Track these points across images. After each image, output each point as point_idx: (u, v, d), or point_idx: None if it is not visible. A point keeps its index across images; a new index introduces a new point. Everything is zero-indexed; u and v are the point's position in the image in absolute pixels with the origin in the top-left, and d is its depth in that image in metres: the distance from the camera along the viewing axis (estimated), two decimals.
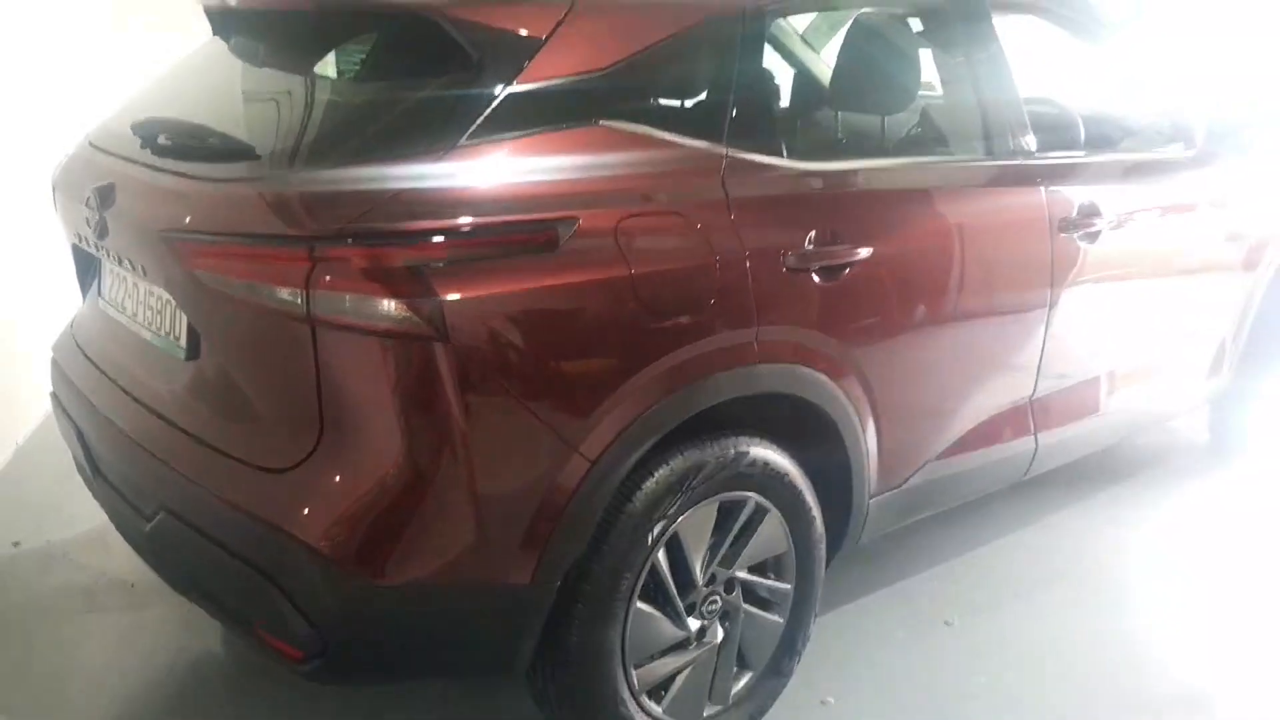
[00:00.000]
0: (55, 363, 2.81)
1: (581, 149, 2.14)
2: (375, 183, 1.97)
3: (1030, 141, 2.99)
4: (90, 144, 2.57)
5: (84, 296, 2.80)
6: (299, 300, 1.92)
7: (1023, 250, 2.94)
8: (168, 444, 2.24)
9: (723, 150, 2.32)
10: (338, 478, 1.99)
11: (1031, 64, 4.11)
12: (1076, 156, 3.24)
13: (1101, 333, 3.31)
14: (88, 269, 2.70)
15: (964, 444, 2.95)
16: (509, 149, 2.05)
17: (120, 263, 2.36)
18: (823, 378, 2.47)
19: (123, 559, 3.23)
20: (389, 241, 1.92)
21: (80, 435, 2.61)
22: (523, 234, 2.02)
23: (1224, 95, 3.84)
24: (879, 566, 3.37)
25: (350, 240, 1.92)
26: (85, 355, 2.65)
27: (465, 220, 1.98)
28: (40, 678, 2.78)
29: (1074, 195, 3.06)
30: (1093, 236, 3.08)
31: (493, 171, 2.02)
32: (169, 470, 2.21)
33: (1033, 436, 3.15)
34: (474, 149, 2.01)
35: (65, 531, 3.48)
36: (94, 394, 2.54)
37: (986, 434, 3.01)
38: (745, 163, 2.35)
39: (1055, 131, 3.32)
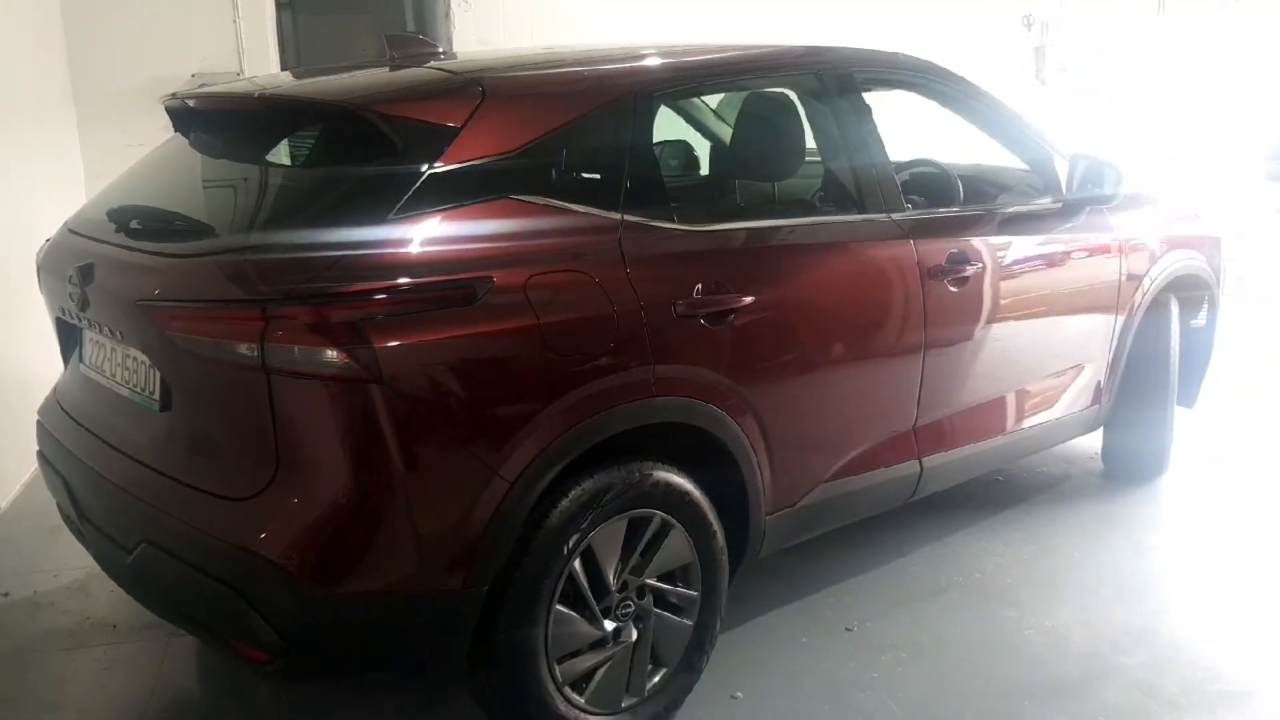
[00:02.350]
0: (40, 424, 3.16)
1: (494, 219, 2.54)
2: (318, 251, 2.35)
3: (899, 200, 3.42)
4: (70, 230, 2.96)
5: (65, 364, 3.15)
6: (255, 353, 2.28)
7: (894, 295, 3.32)
8: (145, 484, 2.59)
9: (618, 216, 2.73)
10: (293, 502, 2.35)
11: (922, 128, 4.62)
12: (949, 211, 3.67)
13: (979, 367, 3.69)
14: (69, 339, 3.06)
15: (851, 467, 3.32)
16: (432, 220, 2.44)
17: (100, 330, 2.73)
18: (716, 409, 2.85)
19: (105, 604, 3.58)
20: (330, 300, 2.30)
21: (66, 485, 2.95)
22: (445, 291, 2.40)
23: (1093, 147, 4.24)
24: (786, 582, 3.73)
25: (297, 300, 2.29)
26: (69, 415, 3.01)
27: (395, 281, 2.36)
28: (31, 709, 3.09)
29: (943, 246, 3.45)
30: (962, 281, 3.49)
31: (418, 239, 2.41)
32: (147, 506, 2.57)
33: (917, 460, 3.53)
34: (402, 221, 2.40)
35: (51, 582, 3.79)
36: (78, 448, 2.89)
37: (872, 458, 3.39)
38: (639, 225, 2.76)
39: (934, 190, 3.78)
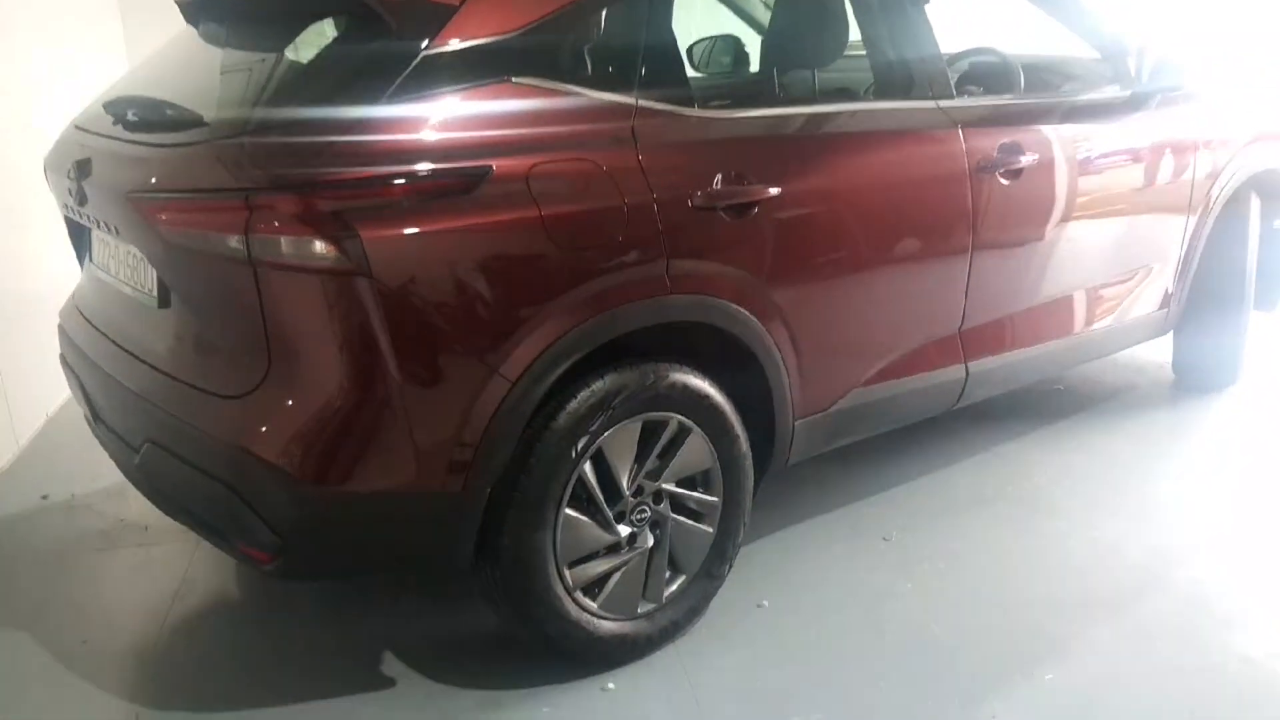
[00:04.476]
0: (61, 329, 3.13)
1: (494, 103, 2.40)
2: (306, 137, 2.25)
3: (948, 86, 3.20)
4: (74, 126, 2.89)
5: (81, 266, 3.11)
6: (240, 245, 2.20)
7: (937, 188, 3.13)
8: (149, 384, 2.55)
9: (632, 101, 2.57)
10: (286, 400, 2.28)
11: (980, 14, 4.36)
12: (1002, 99, 3.44)
13: (1033, 267, 3.49)
14: (81, 239, 3.02)
15: (890, 371, 3.16)
16: (427, 105, 2.30)
17: (101, 227, 2.67)
18: (738, 309, 2.70)
19: (139, 507, 3.56)
20: (317, 189, 2.19)
21: (83, 388, 2.93)
22: (440, 180, 2.28)
23: (1167, 36, 3.97)
24: (823, 489, 3.62)
25: (283, 189, 2.19)
26: (85, 317, 2.97)
27: (387, 169, 2.24)
28: (61, 606, 3.11)
29: (994, 136, 3.24)
30: (1015, 174, 3.27)
31: (412, 125, 2.29)
32: (150, 406, 2.52)
33: (963, 365, 3.35)
34: (395, 106, 2.28)
35: (89, 485, 3.83)
36: (91, 350, 2.85)
37: (913, 362, 3.22)
38: (655, 110, 2.60)
39: (993, 79, 3.55)
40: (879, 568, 3.18)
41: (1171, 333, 4.31)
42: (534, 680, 2.68)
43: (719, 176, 2.64)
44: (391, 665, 2.78)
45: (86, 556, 3.38)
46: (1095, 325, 3.85)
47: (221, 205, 2.24)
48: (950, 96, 3.22)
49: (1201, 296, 4.21)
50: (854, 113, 3.11)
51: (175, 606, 3.09)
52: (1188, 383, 4.55)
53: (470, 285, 2.31)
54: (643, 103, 2.59)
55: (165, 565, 3.31)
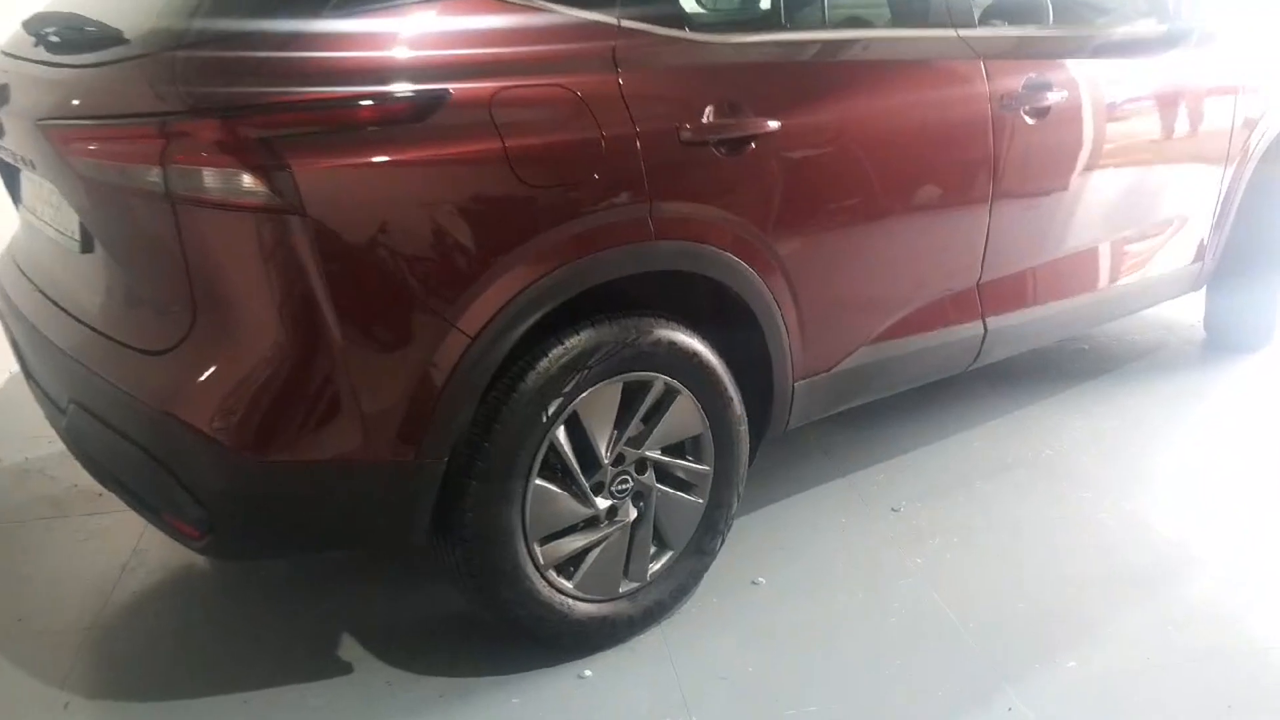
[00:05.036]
0: None
1: (454, 18, 2.11)
2: (233, 53, 1.97)
3: (969, 13, 2.90)
4: (1, 52, 2.60)
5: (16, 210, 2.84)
6: (158, 178, 1.93)
7: (956, 125, 2.85)
8: (74, 338, 2.29)
9: (613, 20, 2.28)
10: (212, 358, 2.02)
11: None
12: (1028, 29, 3.14)
13: (1058, 215, 3.21)
14: (12, 180, 2.74)
15: (901, 328, 2.90)
16: (374, 19, 2.02)
17: (20, 162, 2.40)
18: (731, 257, 2.43)
19: None
20: (243, 113, 1.92)
21: (15, 343, 2.67)
22: (387, 105, 2.00)
23: None
24: (835, 457, 3.37)
25: (204, 113, 1.92)
26: (18, 267, 2.70)
27: (325, 91, 1.96)
28: (3, 579, 2.87)
29: (1020, 70, 2.95)
30: (1042, 112, 2.99)
31: (356, 42, 2.01)
32: (74, 363, 2.26)
33: (980, 321, 3.08)
34: (336, 19, 2.00)
35: (46, 449, 3.57)
36: (22, 302, 2.59)
37: (927, 318, 2.95)
38: (639, 31, 2.31)
39: (1019, 7, 3.25)
40: (886, 542, 2.92)
41: (1204, 289, 4.03)
42: (503, 667, 2.43)
43: (711, 108, 2.35)
44: (349, 649, 2.53)
45: (34, 525, 3.14)
46: (1124, 280, 3.58)
47: (135, 132, 1.98)
48: (972, 25, 2.92)
49: (1237, 251, 3.94)
50: (865, 40, 2.82)
51: (122, 581, 2.85)
52: (1220, 342, 4.30)
53: (422, 227, 2.04)
54: (626, 22, 2.29)
55: (116, 536, 3.06)
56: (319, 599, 2.74)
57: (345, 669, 2.46)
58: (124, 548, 2.99)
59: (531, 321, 2.16)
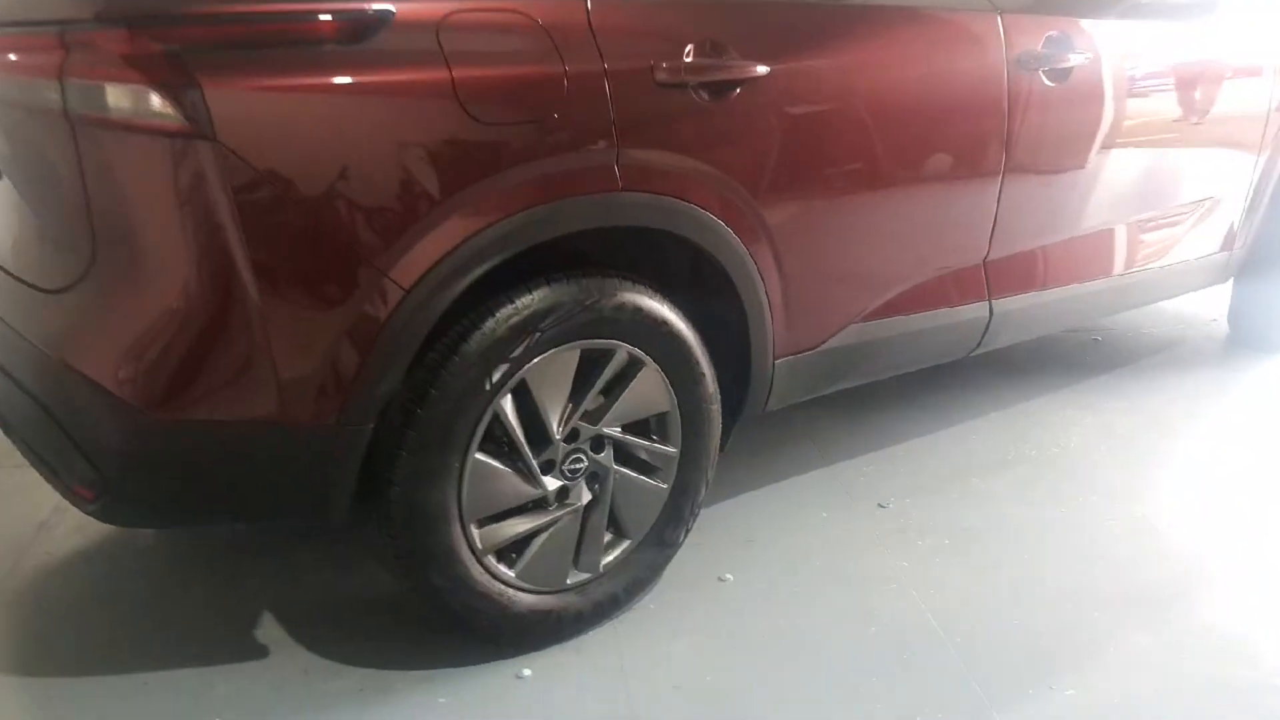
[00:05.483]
0: None
1: None
2: None
3: None
4: None
5: None
6: (56, 94, 1.72)
7: (968, 83, 2.62)
8: None
9: None
10: (111, 299, 1.82)
11: None
12: None
13: (1077, 189, 2.98)
14: None
15: (897, 305, 2.66)
16: None
17: None
18: (707, 215, 2.19)
19: None
20: (151, 23, 1.69)
21: None
22: (319, 22, 1.76)
23: None
24: (820, 444, 3.14)
25: (108, 22, 1.69)
26: None
27: (247, 2, 1.73)
28: None
29: (1040, 26, 2.71)
30: (1063, 75, 2.74)
31: None
32: None
33: (986, 302, 2.84)
34: None
35: None
36: None
37: (927, 296, 2.72)
38: None
39: None
40: (871, 542, 2.68)
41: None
42: (433, 661, 2.20)
43: (692, 46, 2.11)
44: (269, 631, 2.31)
45: None
46: (1144, 266, 3.34)
47: (32, 42, 1.79)
48: None
49: (1271, 241, 3.70)
50: None
51: (37, 542, 2.65)
52: (1244, 339, 4.10)
53: (352, 162, 1.80)
54: None
55: (38, 491, 2.81)
56: (246, 574, 2.52)
57: (260, 653, 2.23)
58: (45, 504, 2.79)
59: (475, 275, 1.92)
